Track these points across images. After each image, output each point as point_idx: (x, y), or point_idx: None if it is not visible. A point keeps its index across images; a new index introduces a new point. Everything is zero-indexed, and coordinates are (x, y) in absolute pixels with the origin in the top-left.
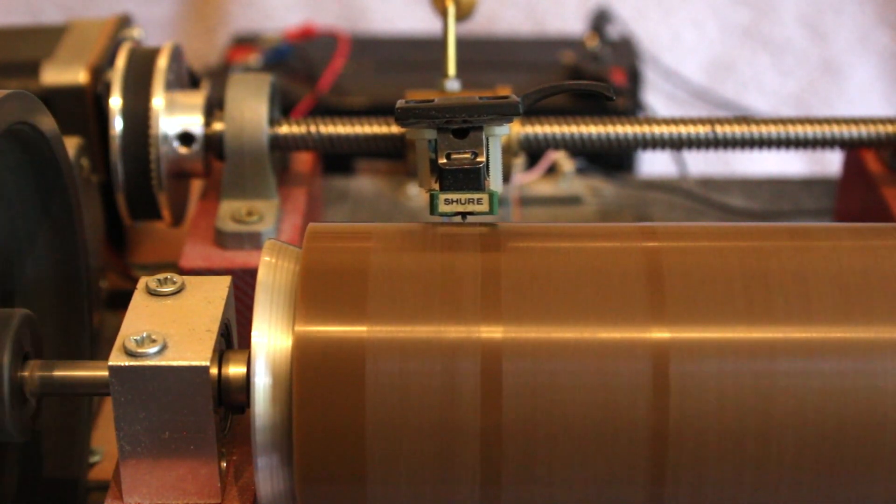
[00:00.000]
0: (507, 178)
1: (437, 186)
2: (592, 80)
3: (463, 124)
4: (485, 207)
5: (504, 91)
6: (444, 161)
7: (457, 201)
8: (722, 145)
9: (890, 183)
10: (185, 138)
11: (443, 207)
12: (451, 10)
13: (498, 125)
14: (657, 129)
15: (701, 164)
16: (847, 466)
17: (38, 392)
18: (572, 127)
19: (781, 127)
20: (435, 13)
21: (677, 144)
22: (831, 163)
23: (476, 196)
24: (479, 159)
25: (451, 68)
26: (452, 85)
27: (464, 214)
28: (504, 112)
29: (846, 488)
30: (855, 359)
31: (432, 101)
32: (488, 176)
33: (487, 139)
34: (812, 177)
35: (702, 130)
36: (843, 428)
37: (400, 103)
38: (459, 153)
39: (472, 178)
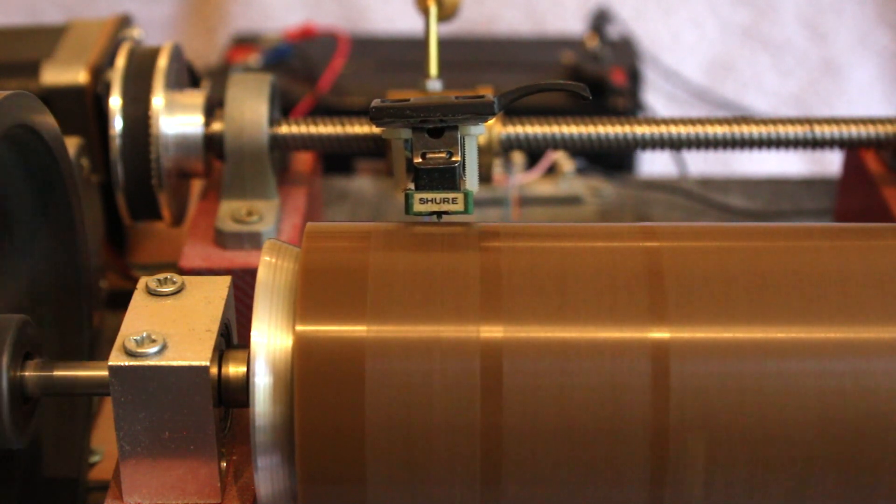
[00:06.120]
0: (487, 178)
1: (412, 186)
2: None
3: (438, 124)
4: (460, 207)
5: (484, 91)
6: (420, 160)
7: (432, 201)
8: (722, 145)
9: (890, 183)
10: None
11: (418, 207)
12: (433, 10)
13: (473, 125)
14: (657, 129)
15: (701, 164)
16: (847, 466)
17: (37, 392)
18: (570, 127)
19: (781, 127)
20: (418, 13)
21: (677, 144)
22: (831, 163)
23: (451, 195)
24: (454, 159)
25: (433, 68)
26: (434, 85)
27: (439, 214)
28: (478, 111)
29: (847, 488)
30: (855, 359)
31: (408, 100)
32: (464, 175)
33: (463, 139)
34: (812, 177)
35: (702, 130)
36: (843, 427)
37: (375, 102)
38: (435, 153)
39: (447, 178)
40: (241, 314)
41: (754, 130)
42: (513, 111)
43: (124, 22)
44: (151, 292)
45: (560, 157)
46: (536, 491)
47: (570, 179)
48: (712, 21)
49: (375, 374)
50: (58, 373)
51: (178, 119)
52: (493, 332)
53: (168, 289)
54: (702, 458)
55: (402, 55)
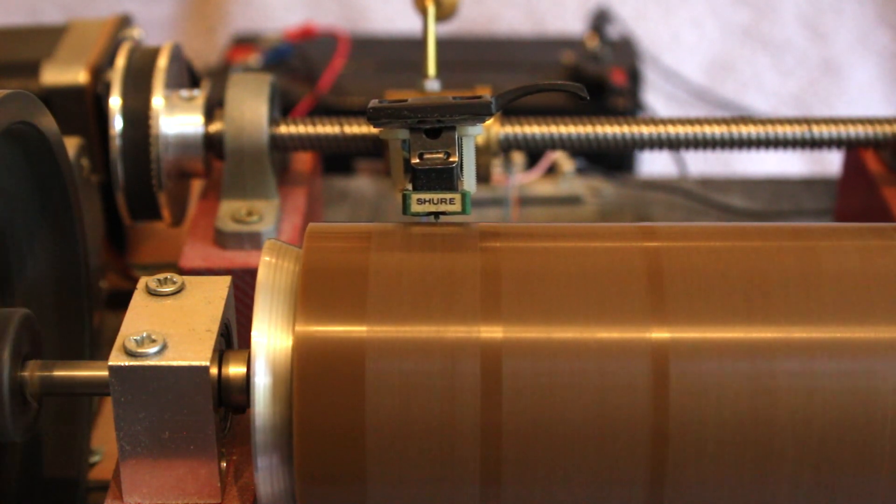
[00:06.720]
0: (486, 178)
1: (410, 186)
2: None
3: (436, 124)
4: (457, 207)
5: (482, 91)
6: (417, 161)
7: (429, 201)
8: (722, 145)
9: (890, 183)
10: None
11: (415, 207)
12: (432, 10)
13: (471, 125)
14: (657, 129)
15: (701, 164)
16: (847, 466)
17: (38, 392)
18: (570, 127)
19: (781, 127)
20: (416, 13)
21: (677, 144)
22: (831, 163)
23: (449, 196)
24: (451, 159)
25: (432, 68)
26: (432, 85)
27: (436, 214)
28: (476, 112)
29: (846, 488)
30: (855, 359)
31: (405, 100)
32: (461, 176)
33: (460, 139)
34: (812, 177)
35: (701, 130)
36: (842, 428)
37: (373, 103)
38: (432, 153)
39: (444, 178)
40: (241, 314)
41: (754, 130)
42: (512, 111)
43: (124, 22)
44: (151, 292)
45: (560, 157)
46: (536, 491)
47: (569, 179)
48: (712, 21)
49: (375, 374)
50: (58, 373)
51: (178, 119)
52: (493, 332)
53: (168, 289)
54: (702, 458)
55: (402, 55)
